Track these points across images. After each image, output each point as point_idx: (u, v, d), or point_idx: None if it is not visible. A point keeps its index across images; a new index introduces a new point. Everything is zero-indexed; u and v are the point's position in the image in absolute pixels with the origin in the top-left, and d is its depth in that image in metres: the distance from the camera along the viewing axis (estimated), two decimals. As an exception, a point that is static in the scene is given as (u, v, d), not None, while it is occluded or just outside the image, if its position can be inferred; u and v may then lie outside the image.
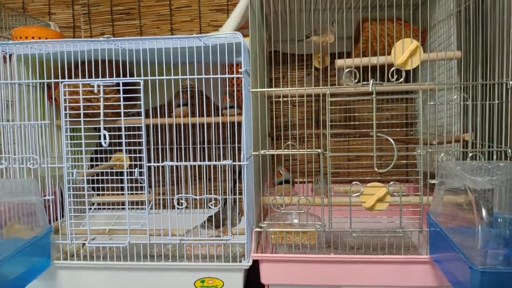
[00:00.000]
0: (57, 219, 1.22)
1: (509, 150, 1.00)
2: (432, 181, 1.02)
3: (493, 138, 1.03)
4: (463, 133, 1.15)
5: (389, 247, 1.15)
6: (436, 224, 0.96)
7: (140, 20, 1.71)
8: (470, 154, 1.06)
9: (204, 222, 1.16)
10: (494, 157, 1.04)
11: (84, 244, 1.11)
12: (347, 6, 1.40)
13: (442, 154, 1.06)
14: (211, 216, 1.18)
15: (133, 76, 1.12)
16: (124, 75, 1.12)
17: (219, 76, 1.06)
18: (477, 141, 1.09)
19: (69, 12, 1.75)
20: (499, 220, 0.85)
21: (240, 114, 1.11)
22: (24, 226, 1.05)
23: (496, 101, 1.03)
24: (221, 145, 1.10)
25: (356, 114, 1.50)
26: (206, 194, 1.09)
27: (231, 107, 1.27)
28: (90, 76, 1.17)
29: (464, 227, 0.85)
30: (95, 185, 1.36)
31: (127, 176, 1.08)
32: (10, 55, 1.18)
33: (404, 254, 1.04)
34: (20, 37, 1.42)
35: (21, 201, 1.05)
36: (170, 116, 1.18)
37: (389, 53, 1.03)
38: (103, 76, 1.15)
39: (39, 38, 1.42)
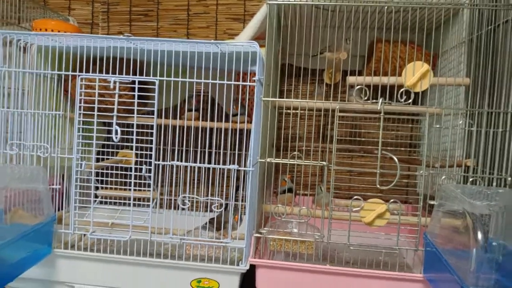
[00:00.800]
0: (61, 209, 1.24)
1: (509, 178, 1.02)
2: (431, 202, 1.04)
3: (495, 165, 1.05)
4: (466, 158, 1.18)
5: (384, 265, 1.16)
6: (433, 244, 0.98)
7: (158, 23, 1.74)
8: (471, 179, 1.08)
9: (206, 224, 1.18)
10: (494, 183, 1.06)
11: (85, 235, 1.13)
12: (362, 25, 1.43)
13: (444, 177, 1.09)
14: (212, 219, 1.20)
15: (147, 76, 1.15)
16: (139, 74, 1.15)
17: (233, 82, 1.09)
18: (479, 167, 1.11)
19: (88, 9, 1.79)
20: (493, 244, 0.87)
21: (249, 122, 1.13)
22: (28, 213, 1.07)
23: (500, 129, 1.05)
24: (228, 151, 1.12)
25: (362, 131, 1.53)
26: (209, 196, 1.11)
27: (241, 114, 1.30)
28: (106, 72, 1.20)
29: (459, 250, 0.87)
30: (100, 178, 1.38)
31: (134, 172, 1.10)
32: (30, 46, 1.21)
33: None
34: (40, 29, 1.45)
35: (28, 188, 1.07)
36: (180, 118, 1.20)
37: (399, 75, 1.06)
38: (119, 73, 1.18)
39: (58, 31, 1.45)
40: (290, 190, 1.25)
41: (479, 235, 0.80)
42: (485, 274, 0.84)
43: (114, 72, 1.18)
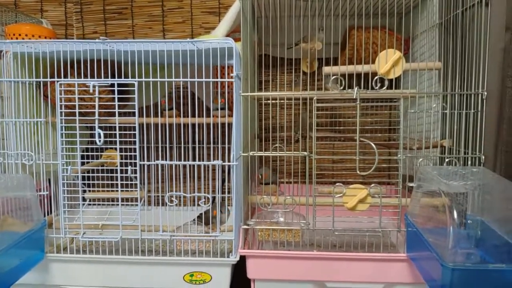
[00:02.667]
0: (50, 213, 1.25)
1: (483, 157, 1.07)
2: (411, 184, 1.09)
3: (468, 145, 1.10)
4: (442, 139, 1.22)
5: (369, 246, 1.21)
6: (413, 224, 1.02)
7: (133, 20, 1.73)
8: (447, 160, 1.13)
9: (194, 220, 1.21)
10: (469, 162, 1.10)
11: (77, 237, 1.15)
12: (336, 13, 1.45)
13: (421, 159, 1.13)
14: (201, 214, 1.22)
15: (126, 76, 1.16)
16: (118, 75, 1.15)
17: (211, 79, 1.11)
18: (454, 148, 1.15)
19: (61, 10, 1.77)
20: (469, 221, 0.92)
21: (230, 115, 1.15)
22: (18, 220, 1.08)
23: (472, 110, 1.09)
24: (211, 145, 1.14)
25: (341, 119, 1.56)
26: (196, 192, 1.13)
27: (222, 108, 1.32)
28: (84, 75, 1.21)
29: (438, 228, 0.91)
30: (87, 182, 1.39)
31: (120, 173, 1.11)
32: (5, 52, 1.20)
33: (383, 252, 1.10)
34: (14, 35, 1.44)
35: (16, 196, 1.08)
36: (161, 116, 1.21)
37: (374, 61, 1.09)
38: (97, 75, 1.18)
39: (33, 36, 1.44)
40: (273, 182, 1.28)
41: (455, 214, 0.84)
42: (463, 250, 0.89)
43: (92, 75, 1.19)
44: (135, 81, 1.10)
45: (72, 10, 1.75)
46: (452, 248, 0.83)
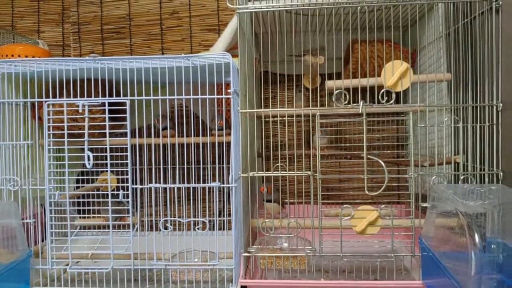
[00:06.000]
0: (40, 242, 1.18)
1: (501, 173, 0.99)
2: (424, 204, 1.01)
3: (485, 160, 1.02)
4: (454, 155, 1.14)
5: (381, 270, 1.12)
6: (429, 248, 0.94)
7: (131, 39, 1.70)
8: (462, 177, 1.05)
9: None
10: (486, 179, 1.02)
11: (65, 269, 1.07)
12: (337, 28, 1.40)
13: (434, 177, 1.05)
14: None
15: (121, 95, 1.10)
16: (112, 95, 1.10)
17: (207, 96, 1.05)
18: (469, 164, 1.08)
19: (58, 30, 1.74)
20: (492, 245, 0.83)
21: (229, 134, 1.09)
22: (4, 250, 1.01)
23: (487, 123, 1.02)
24: (209, 166, 1.07)
25: (347, 136, 1.49)
26: (193, 216, 1.06)
27: (220, 128, 1.26)
28: (76, 95, 1.15)
29: (456, 252, 0.83)
30: (79, 208, 1.32)
31: (112, 198, 1.05)
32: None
33: (397, 279, 1.01)
34: (7, 55, 1.40)
35: (0, 224, 1.01)
36: (158, 135, 1.15)
37: (379, 75, 1.03)
38: (90, 95, 1.13)
39: (26, 56, 1.40)
40: (276, 201, 1.20)
41: (476, 237, 0.76)
42: (486, 276, 0.81)
43: (86, 95, 1.13)
44: (127, 99, 1.04)
45: (70, 30, 1.72)
46: (475, 275, 0.74)
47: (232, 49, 1.38)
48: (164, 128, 1.19)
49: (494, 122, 1.00)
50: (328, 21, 1.29)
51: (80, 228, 1.48)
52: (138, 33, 1.69)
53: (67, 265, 1.06)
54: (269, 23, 1.32)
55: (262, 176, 1.09)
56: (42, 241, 1.18)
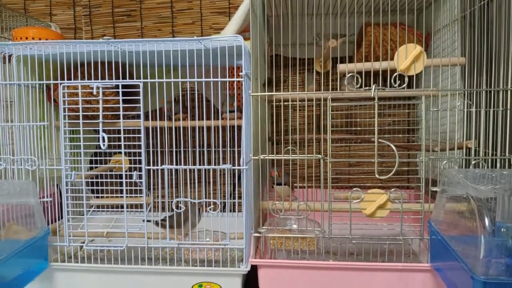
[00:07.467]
0: (55, 221, 1.21)
1: (513, 158, 0.99)
2: (434, 189, 1.01)
3: (497, 145, 1.02)
4: (466, 140, 1.14)
5: (389, 253, 1.14)
6: (438, 232, 0.95)
7: (141, 22, 1.70)
8: (473, 162, 1.05)
9: (157, 223, 1.14)
10: (498, 165, 1.02)
11: (82, 246, 1.10)
12: (350, 11, 1.39)
13: (445, 162, 1.05)
14: (172, 216, 1.15)
15: (133, 78, 1.11)
16: (124, 77, 1.11)
17: (219, 79, 1.05)
18: (480, 149, 1.07)
19: (70, 14, 1.75)
20: (502, 229, 0.84)
21: (240, 118, 1.09)
22: (23, 228, 1.04)
23: (501, 108, 1.01)
24: (221, 149, 1.08)
25: (357, 120, 1.49)
26: (206, 197, 1.08)
27: (232, 111, 1.26)
28: (90, 78, 1.17)
29: (466, 236, 0.84)
30: (94, 188, 1.35)
31: (126, 179, 1.07)
32: (10, 56, 1.17)
33: (405, 262, 1.02)
34: (21, 38, 1.41)
35: (19, 202, 1.04)
36: (169, 119, 1.17)
37: (391, 58, 1.02)
38: (103, 78, 1.14)
39: (39, 39, 1.41)
40: (286, 184, 1.22)
41: (486, 221, 0.77)
42: (495, 260, 0.81)
43: (99, 77, 1.15)
44: (140, 82, 1.05)
45: (81, 13, 1.73)
46: (483, 259, 0.75)
47: (243, 32, 1.38)
48: (176, 113, 1.20)
49: (508, 107, 0.99)
50: (341, 3, 1.28)
51: (93, 208, 1.52)
52: (149, 16, 1.69)
53: (83, 242, 1.09)
54: (281, 5, 1.31)
55: (272, 160, 1.09)
56: (59, 220, 1.21)
